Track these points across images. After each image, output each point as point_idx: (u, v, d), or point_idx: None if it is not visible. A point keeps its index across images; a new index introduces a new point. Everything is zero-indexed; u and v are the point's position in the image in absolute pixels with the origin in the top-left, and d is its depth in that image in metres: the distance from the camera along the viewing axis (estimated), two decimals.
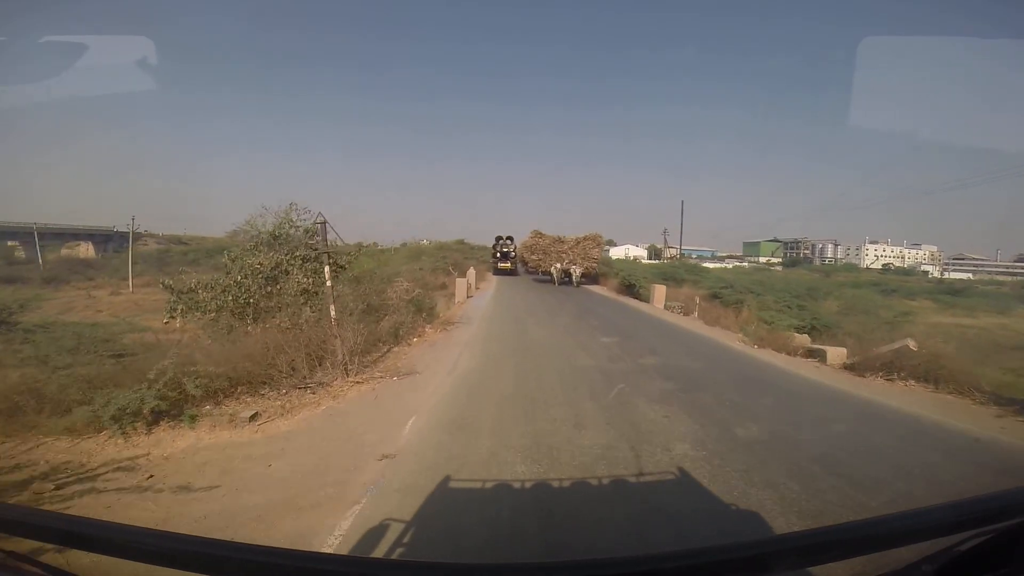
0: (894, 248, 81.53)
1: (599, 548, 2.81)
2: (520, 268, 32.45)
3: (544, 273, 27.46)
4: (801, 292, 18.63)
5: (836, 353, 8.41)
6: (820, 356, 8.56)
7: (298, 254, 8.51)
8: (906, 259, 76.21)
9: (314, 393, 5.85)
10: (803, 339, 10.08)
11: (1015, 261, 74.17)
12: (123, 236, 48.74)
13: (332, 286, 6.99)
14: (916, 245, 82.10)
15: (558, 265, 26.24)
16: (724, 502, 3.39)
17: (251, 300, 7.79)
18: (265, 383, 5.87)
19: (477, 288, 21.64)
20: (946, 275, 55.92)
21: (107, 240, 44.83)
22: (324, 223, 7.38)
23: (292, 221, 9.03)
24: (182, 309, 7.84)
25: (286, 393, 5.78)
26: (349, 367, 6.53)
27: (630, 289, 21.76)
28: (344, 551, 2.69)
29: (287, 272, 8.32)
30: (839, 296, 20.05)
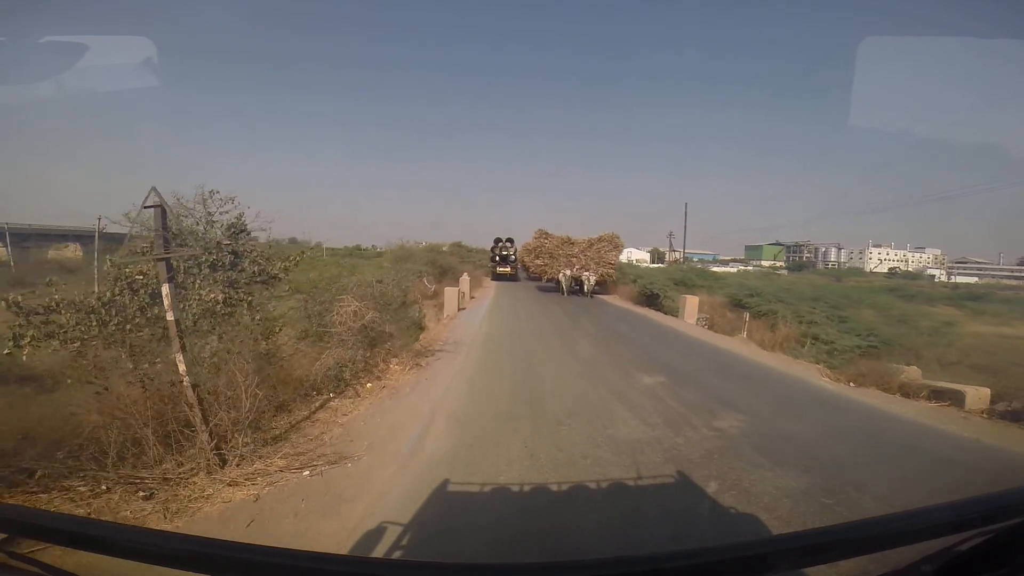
0: (897, 251, 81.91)
1: None
2: (521, 274, 30.08)
3: (550, 280, 24.06)
4: (838, 301, 16.25)
5: (977, 395, 6.41)
6: (954, 398, 6.51)
7: (203, 259, 6.43)
8: (910, 262, 76.71)
9: (148, 499, 3.49)
10: (912, 372, 7.78)
11: (1018, 264, 74.56)
12: (111, 237, 48.43)
13: (177, 318, 4.09)
14: (920, 248, 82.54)
15: (567, 271, 22.49)
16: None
17: (127, 326, 5.56)
18: (83, 469, 3.65)
19: (472, 297, 19.27)
20: (953, 279, 56.09)
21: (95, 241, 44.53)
22: (160, 207, 4.14)
23: (210, 215, 6.86)
24: (33, 337, 5.46)
25: (107, 491, 3.55)
26: (227, 451, 3.99)
27: (651, 300, 19.16)
28: None
29: (184, 285, 6.21)
30: (872, 304, 17.67)
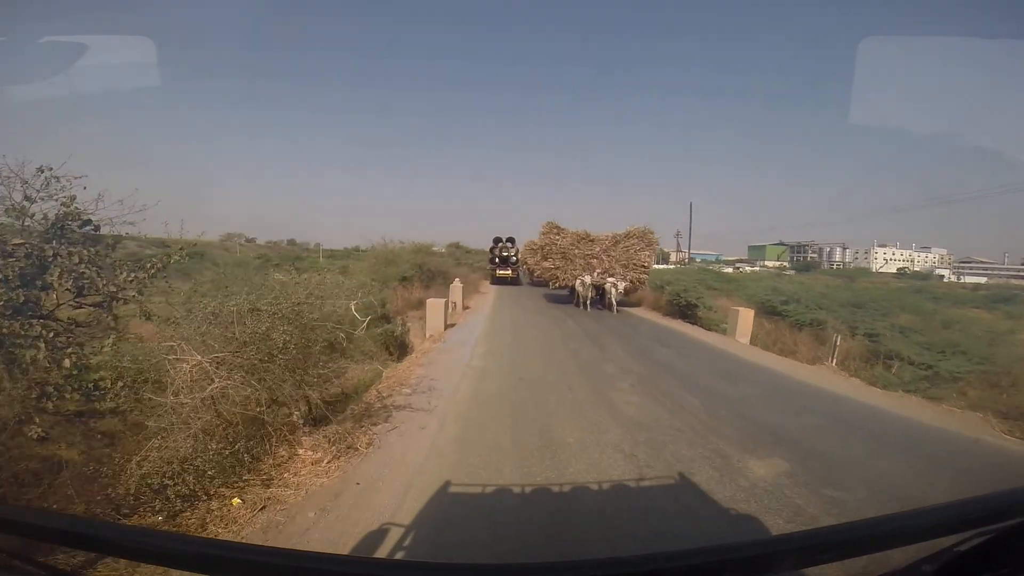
0: (903, 251, 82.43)
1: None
2: (524, 277, 27.98)
3: (562, 287, 19.19)
4: (885, 307, 14.17)
5: None
6: None
7: None
8: (916, 262, 77.29)
9: None
10: None
11: (1022, 264, 74.88)
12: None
13: None
14: (925, 248, 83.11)
15: (587, 278, 17.61)
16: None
17: None
18: None
19: (466, 308, 16.55)
20: (962, 279, 56.23)
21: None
22: None
23: (26, 200, 4.45)
24: None
25: None
26: None
27: (683, 311, 16.02)
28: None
29: None
30: (913, 309, 15.33)
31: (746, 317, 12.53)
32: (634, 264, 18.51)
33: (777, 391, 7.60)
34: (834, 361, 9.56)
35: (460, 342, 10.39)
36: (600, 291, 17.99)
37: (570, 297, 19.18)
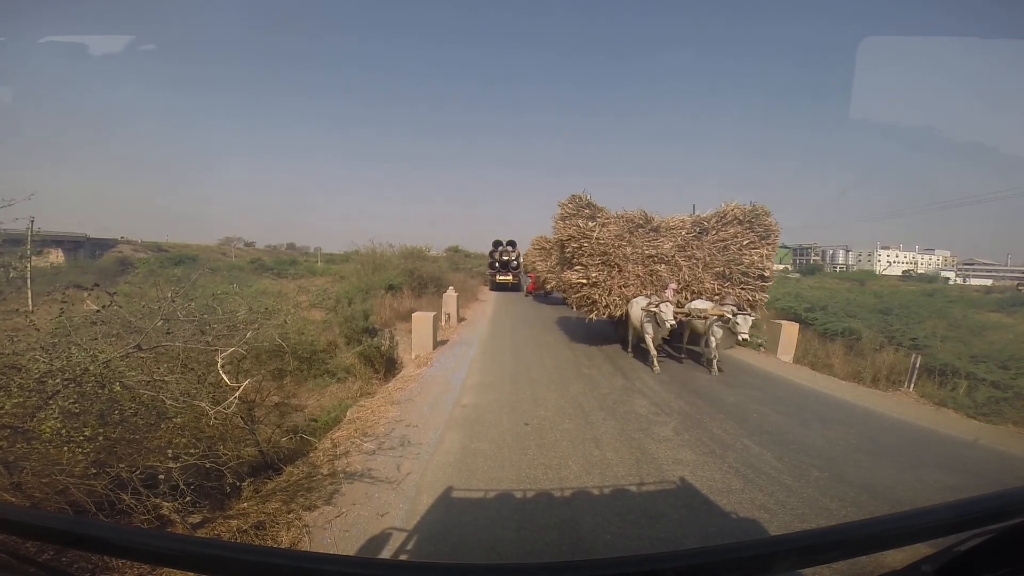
0: (906, 253, 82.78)
1: None
2: (523, 283, 26.18)
3: (607, 318, 10.43)
4: (916, 313, 13.42)
5: None
6: None
7: None
8: (919, 264, 77.68)
9: None
10: None
11: None
12: (96, 243, 48.76)
13: None
14: (929, 250, 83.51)
15: (664, 307, 8.44)
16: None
17: None
18: None
19: (462, 320, 14.93)
20: (968, 281, 56.50)
21: (78, 247, 44.95)
22: None
23: None
24: None
25: None
26: None
27: None
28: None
29: None
30: (940, 314, 14.22)
31: (789, 332, 10.73)
32: (740, 272, 10.07)
33: (868, 434, 5.83)
34: (912, 386, 8.02)
35: (451, 367, 8.67)
36: (680, 327, 9.73)
37: (608, 330, 11.85)
